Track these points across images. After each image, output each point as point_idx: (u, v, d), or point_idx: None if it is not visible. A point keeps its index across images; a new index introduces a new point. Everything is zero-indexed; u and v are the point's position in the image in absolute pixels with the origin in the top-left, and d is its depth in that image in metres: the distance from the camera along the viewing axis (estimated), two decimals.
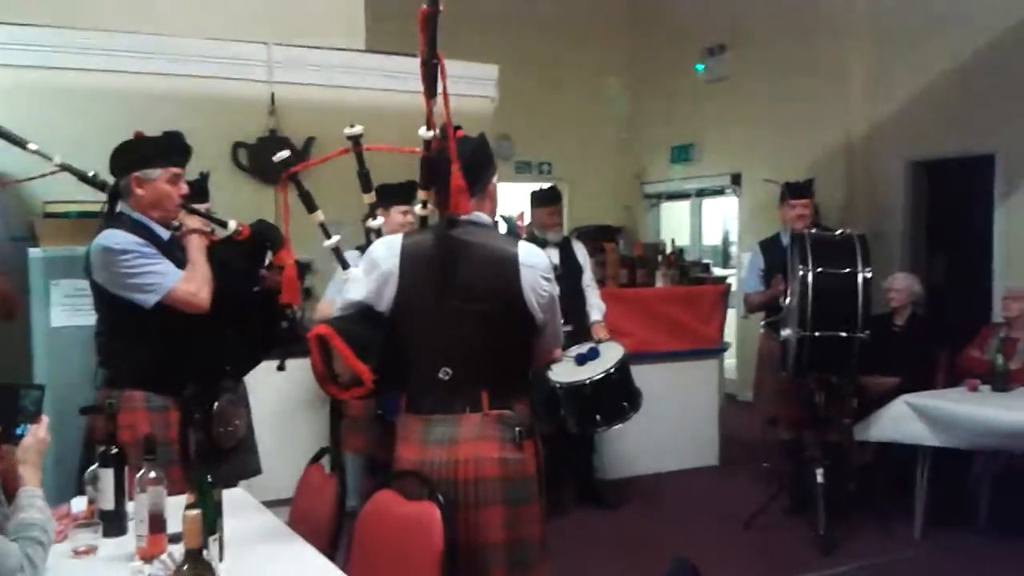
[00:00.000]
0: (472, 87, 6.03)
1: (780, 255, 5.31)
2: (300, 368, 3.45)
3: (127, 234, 2.94)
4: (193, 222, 3.15)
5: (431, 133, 2.70)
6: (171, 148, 3.08)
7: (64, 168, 3.25)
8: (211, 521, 2.15)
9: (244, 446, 3.34)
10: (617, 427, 5.05)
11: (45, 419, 2.23)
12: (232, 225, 3.17)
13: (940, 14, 7.17)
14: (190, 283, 2.96)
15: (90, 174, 3.23)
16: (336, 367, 2.53)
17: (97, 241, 2.96)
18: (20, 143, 3.25)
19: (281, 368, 3.44)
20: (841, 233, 4.95)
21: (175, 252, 3.07)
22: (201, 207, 3.30)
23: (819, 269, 4.66)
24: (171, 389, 3.02)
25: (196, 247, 3.07)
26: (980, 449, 4.92)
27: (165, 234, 3.06)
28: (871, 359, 4.87)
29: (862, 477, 5.52)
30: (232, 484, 3.00)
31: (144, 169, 2.99)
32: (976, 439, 4.67)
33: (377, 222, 3.10)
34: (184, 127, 3.24)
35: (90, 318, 4.21)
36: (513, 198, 8.98)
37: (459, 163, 2.48)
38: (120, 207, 3.06)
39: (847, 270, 4.68)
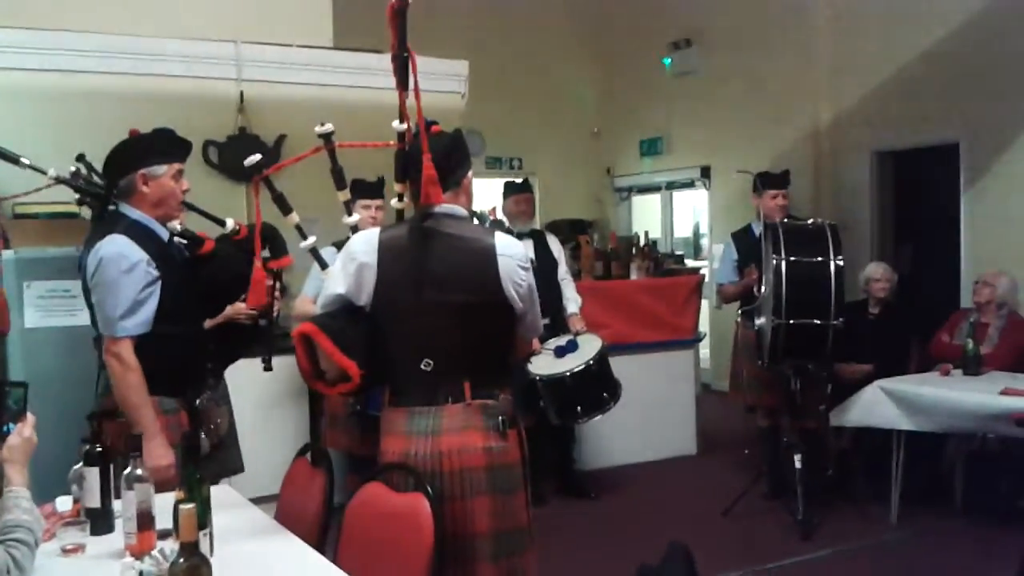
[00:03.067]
0: (441, 83, 6.05)
1: (753, 245, 5.36)
2: (281, 365, 3.46)
3: (136, 247, 2.87)
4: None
5: (404, 126, 2.71)
6: (174, 144, 3.06)
7: (59, 181, 3.22)
8: (202, 516, 2.14)
9: (226, 444, 3.31)
10: (597, 418, 5.08)
11: (31, 417, 2.20)
12: (230, 224, 3.17)
13: (903, 4, 7.26)
14: (128, 370, 2.85)
15: (79, 181, 3.19)
16: (322, 364, 2.52)
17: (104, 247, 2.87)
18: (13, 159, 3.21)
19: (268, 368, 3.43)
20: (813, 222, 5.00)
21: (173, 253, 3.05)
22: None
23: (792, 258, 4.71)
24: (178, 391, 3.00)
25: (157, 436, 2.89)
26: (953, 432, 4.99)
27: (165, 234, 3.04)
28: (845, 347, 4.93)
29: (839, 463, 5.59)
30: (215, 482, 2.99)
31: (150, 166, 2.95)
32: (949, 422, 4.73)
33: (353, 219, 3.09)
34: (154, 126, 3.21)
35: (64, 319, 4.24)
36: (484, 193, 9.00)
37: (431, 155, 2.48)
38: (119, 208, 3.00)
39: (819, 258, 4.72)
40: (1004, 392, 4.53)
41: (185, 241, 3.17)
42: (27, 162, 3.23)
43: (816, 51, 8.11)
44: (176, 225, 3.13)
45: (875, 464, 5.34)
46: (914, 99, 7.20)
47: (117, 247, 2.86)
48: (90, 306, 2.99)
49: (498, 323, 2.57)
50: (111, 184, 3.04)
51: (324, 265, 3.09)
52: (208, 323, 3.23)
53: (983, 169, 6.79)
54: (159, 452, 2.84)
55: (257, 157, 2.96)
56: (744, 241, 5.60)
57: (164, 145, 3.03)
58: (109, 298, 2.85)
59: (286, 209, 3.02)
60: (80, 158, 3.54)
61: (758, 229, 5.32)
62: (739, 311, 5.63)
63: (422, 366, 2.51)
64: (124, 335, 2.85)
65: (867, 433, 5.17)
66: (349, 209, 3.11)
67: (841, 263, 4.72)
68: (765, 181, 5.52)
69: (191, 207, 3.18)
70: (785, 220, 5.12)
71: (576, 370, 4.89)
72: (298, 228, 3.04)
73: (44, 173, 3.23)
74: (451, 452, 2.48)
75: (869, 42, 7.60)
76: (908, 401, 4.81)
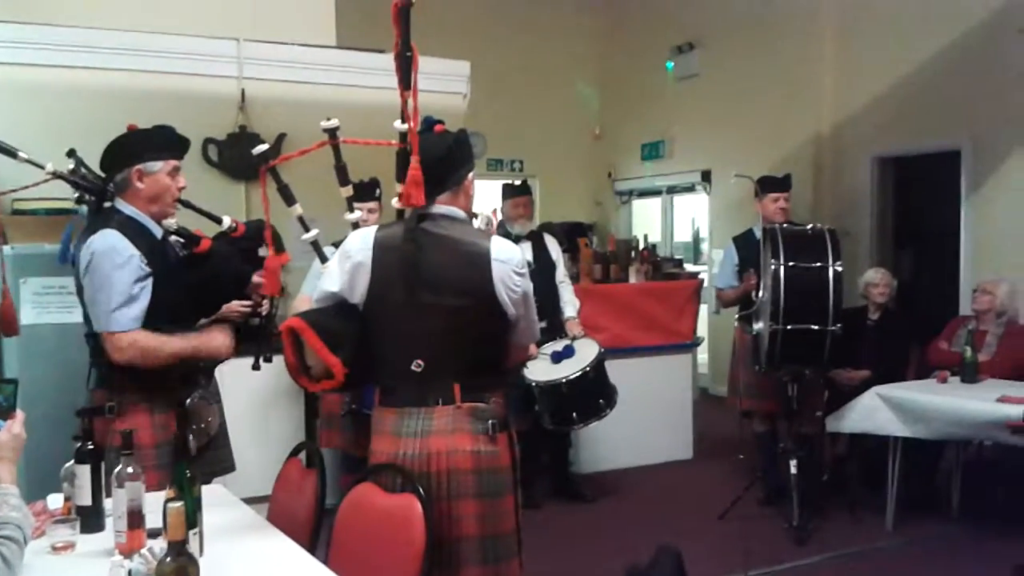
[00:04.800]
0: (443, 83, 6.03)
1: (754, 250, 5.34)
2: (275, 364, 3.44)
3: (127, 243, 2.86)
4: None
5: (406, 126, 2.69)
6: (171, 141, 3.05)
7: (56, 176, 3.21)
8: (191, 515, 2.13)
9: (216, 443, 3.29)
10: (593, 424, 5.07)
11: (20, 414, 2.20)
12: (227, 221, 3.16)
13: (906, 11, 7.26)
14: (152, 350, 2.88)
15: (77, 177, 3.18)
16: (308, 359, 2.52)
17: (96, 241, 2.87)
18: (11, 153, 3.20)
19: (256, 367, 3.42)
20: (812, 228, 5.00)
21: (167, 251, 3.05)
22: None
23: (790, 263, 4.71)
24: (167, 390, 2.98)
25: (212, 337, 3.06)
26: (950, 439, 4.98)
27: (158, 231, 3.02)
28: (843, 353, 4.92)
29: (835, 469, 5.58)
30: (206, 481, 2.97)
31: (146, 162, 2.95)
32: (945, 429, 4.73)
33: (354, 216, 3.07)
34: (154, 123, 3.19)
35: (60, 316, 4.23)
36: (484, 195, 8.99)
37: (427, 156, 2.47)
38: (115, 203, 2.99)
39: (818, 264, 4.73)
40: (1001, 400, 4.52)
41: (182, 240, 3.16)
42: (24, 156, 3.22)
43: (819, 57, 8.11)
44: (172, 223, 3.12)
45: (871, 471, 5.34)
46: (916, 105, 7.20)
47: (109, 241, 2.85)
48: (83, 302, 2.98)
49: (490, 327, 2.55)
50: (107, 179, 3.04)
51: (324, 258, 3.07)
52: (201, 322, 3.22)
53: (984, 177, 6.78)
54: (220, 339, 3.06)
55: (265, 147, 2.95)
56: (745, 245, 5.59)
57: (161, 141, 3.02)
58: (102, 292, 2.84)
59: (290, 200, 3.01)
60: (71, 153, 3.53)
61: (759, 233, 5.31)
62: (737, 316, 5.63)
63: (412, 367, 2.50)
64: (119, 329, 2.83)
65: (863, 439, 5.16)
66: (351, 206, 3.09)
67: (840, 269, 4.72)
68: (766, 184, 5.51)
69: (187, 204, 3.17)
70: (785, 225, 5.11)
71: (572, 377, 4.89)
72: (300, 220, 3.03)
73: (42, 168, 3.22)
74: (439, 454, 2.47)
75: (872, 48, 7.60)
76: (905, 408, 4.81)
